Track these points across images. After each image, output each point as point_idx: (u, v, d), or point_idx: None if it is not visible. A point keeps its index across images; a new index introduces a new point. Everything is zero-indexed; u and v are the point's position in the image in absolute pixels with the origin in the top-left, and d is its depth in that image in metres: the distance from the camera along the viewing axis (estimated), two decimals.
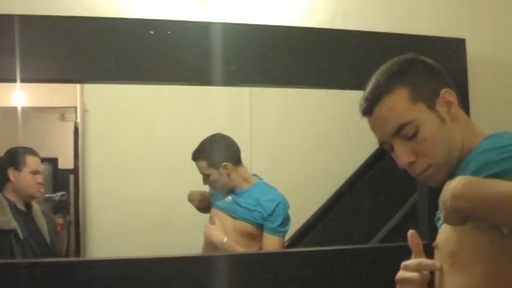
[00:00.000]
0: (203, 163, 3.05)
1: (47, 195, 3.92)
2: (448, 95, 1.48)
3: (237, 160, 3.10)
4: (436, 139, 1.45)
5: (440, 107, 1.47)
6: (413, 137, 1.44)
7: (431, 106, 1.46)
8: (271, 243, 2.97)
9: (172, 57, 2.24)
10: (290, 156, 3.71)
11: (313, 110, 3.68)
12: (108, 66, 2.23)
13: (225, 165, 3.04)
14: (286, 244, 3.37)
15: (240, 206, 3.06)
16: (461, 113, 1.51)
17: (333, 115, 3.63)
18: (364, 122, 1.53)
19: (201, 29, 2.25)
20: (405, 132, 1.44)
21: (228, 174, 3.06)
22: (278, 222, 2.99)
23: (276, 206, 3.01)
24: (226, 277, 2.29)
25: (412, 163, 1.46)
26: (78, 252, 3.72)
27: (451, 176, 1.40)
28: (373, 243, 3.00)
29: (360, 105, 1.51)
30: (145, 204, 3.52)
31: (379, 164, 3.48)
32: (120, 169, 3.59)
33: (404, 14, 2.79)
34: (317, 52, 2.39)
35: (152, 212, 3.53)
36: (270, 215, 3.00)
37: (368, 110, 1.49)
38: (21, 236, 2.95)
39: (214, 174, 3.05)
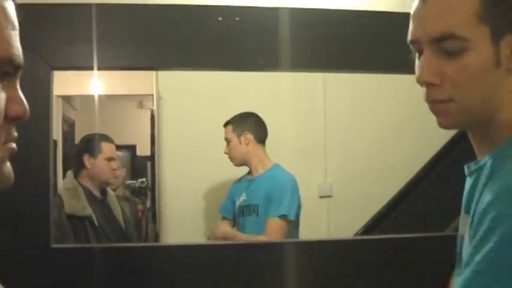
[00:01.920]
0: (229, 127, 3.23)
1: (127, 181, 4.00)
2: None
3: (259, 139, 3.22)
4: (478, 75, 1.12)
5: (504, 48, 1.12)
6: (452, 56, 1.12)
7: (495, 38, 1.12)
8: (269, 223, 3.05)
9: (241, 44, 2.23)
10: (365, 143, 3.68)
11: (387, 96, 3.63)
12: (180, 53, 2.23)
13: (246, 134, 3.18)
14: (360, 232, 3.34)
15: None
16: None
17: (406, 102, 3.56)
18: None
19: (269, 15, 2.24)
20: (447, 45, 1.12)
21: (247, 144, 3.19)
22: (278, 204, 3.05)
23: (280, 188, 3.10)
24: (295, 263, 2.27)
25: (432, 85, 1.15)
26: (156, 237, 3.79)
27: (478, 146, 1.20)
28: (449, 232, 2.93)
29: None
30: (220, 189, 3.55)
31: (454, 152, 3.40)
32: (194, 155, 3.63)
33: None
34: (389, 36, 2.34)
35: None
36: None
37: None
38: (96, 222, 3.02)
39: (234, 140, 3.20)
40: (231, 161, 3.25)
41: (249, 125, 3.21)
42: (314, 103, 3.67)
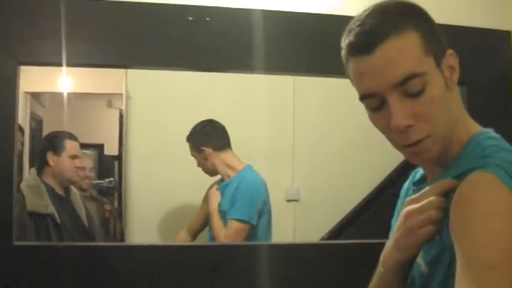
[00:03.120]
0: (189, 145, 3.21)
1: (95, 181, 3.97)
2: (452, 58, 1.22)
3: (219, 146, 3.17)
4: (442, 103, 1.17)
5: (445, 70, 1.19)
6: (417, 95, 1.15)
7: (438, 64, 1.18)
8: (228, 226, 3.00)
9: (209, 44, 2.22)
10: (333, 147, 3.68)
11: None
12: (150, 52, 2.23)
13: (203, 149, 3.16)
14: (326, 236, 3.34)
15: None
16: (456, 87, 1.24)
17: None
18: None
19: (240, 16, 2.24)
20: (411, 85, 1.14)
21: (207, 159, 3.16)
22: (235, 206, 3.03)
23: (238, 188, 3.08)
24: (260, 266, 2.28)
25: (409, 127, 1.16)
26: (122, 238, 3.76)
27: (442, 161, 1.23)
28: None
29: (352, 41, 1.18)
30: (187, 190, 3.53)
31: None
32: (162, 155, 3.61)
33: (447, 4, 2.73)
34: None
35: (194, 198, 3.53)
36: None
37: (368, 46, 1.15)
38: (58, 220, 2.99)
39: (197, 157, 3.20)
40: (206, 173, 3.23)
41: (204, 138, 3.18)
42: (283, 106, 3.67)
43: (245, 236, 2.98)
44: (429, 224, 1.15)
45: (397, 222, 1.24)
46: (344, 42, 1.22)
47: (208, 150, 3.15)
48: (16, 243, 2.05)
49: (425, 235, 1.16)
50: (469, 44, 2.29)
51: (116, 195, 4.26)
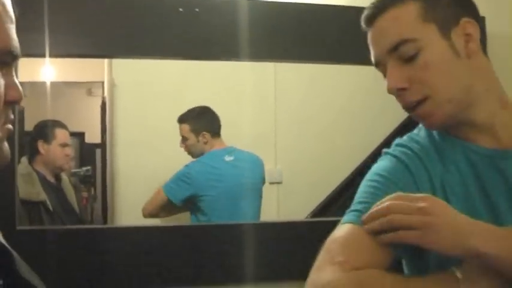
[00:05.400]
0: (186, 126, 3.36)
1: (73, 170, 4.01)
2: (469, 25, 1.24)
3: (215, 132, 3.37)
4: (441, 68, 1.21)
5: (457, 38, 1.22)
6: (411, 59, 1.21)
7: (444, 32, 1.22)
8: None
9: (199, 34, 2.31)
10: (314, 130, 3.75)
11: (336, 85, 3.70)
12: (137, 42, 2.30)
13: (204, 134, 3.33)
14: (309, 217, 3.43)
15: None
16: (482, 56, 1.27)
17: (356, 90, 3.65)
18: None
19: (228, 6, 2.32)
20: (403, 50, 1.22)
21: (205, 143, 3.34)
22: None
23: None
24: (248, 244, 2.36)
25: (402, 90, 1.23)
26: (105, 222, 3.81)
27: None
28: None
29: (363, 14, 1.29)
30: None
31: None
32: (147, 143, 3.64)
33: None
34: (341, 29, 2.44)
35: None
36: None
37: (370, 19, 1.27)
38: (50, 207, 3.04)
39: (192, 139, 3.36)
40: (188, 154, 3.38)
41: (206, 123, 3.34)
42: (265, 91, 3.71)
43: (160, 204, 3.30)
44: None
45: None
46: None
47: (208, 135, 3.32)
48: (19, 227, 2.13)
49: None
50: None
51: (95, 182, 4.30)
